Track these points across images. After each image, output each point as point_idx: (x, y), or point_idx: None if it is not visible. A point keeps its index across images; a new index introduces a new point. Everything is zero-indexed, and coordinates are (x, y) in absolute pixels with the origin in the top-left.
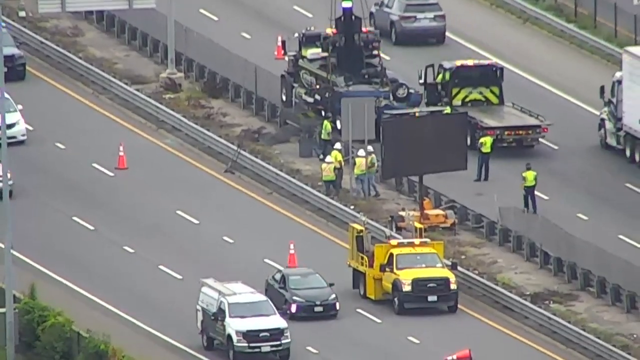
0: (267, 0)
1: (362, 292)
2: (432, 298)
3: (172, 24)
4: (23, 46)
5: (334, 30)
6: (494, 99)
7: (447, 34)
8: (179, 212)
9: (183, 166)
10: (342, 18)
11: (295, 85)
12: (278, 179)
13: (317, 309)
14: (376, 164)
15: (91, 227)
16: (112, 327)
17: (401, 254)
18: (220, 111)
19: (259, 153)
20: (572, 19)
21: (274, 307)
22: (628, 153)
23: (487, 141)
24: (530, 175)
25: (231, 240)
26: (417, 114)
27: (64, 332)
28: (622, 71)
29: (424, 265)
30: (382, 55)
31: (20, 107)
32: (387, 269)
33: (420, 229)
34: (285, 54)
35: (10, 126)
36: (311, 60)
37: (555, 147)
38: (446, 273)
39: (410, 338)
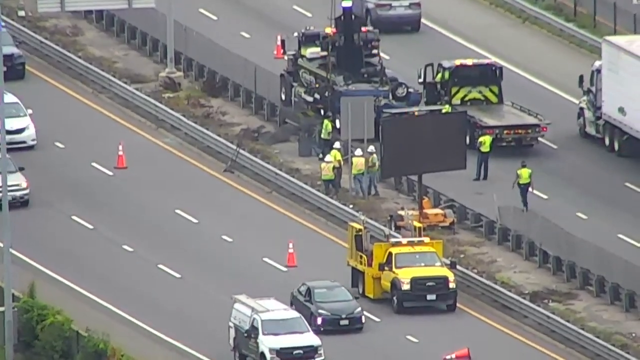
0: None
1: (361, 291)
2: (431, 297)
3: (172, 23)
4: (22, 45)
5: (334, 30)
6: (493, 98)
7: (447, 33)
8: (178, 211)
9: (182, 165)
10: (342, 17)
11: (295, 84)
12: (277, 178)
13: (343, 322)
14: (377, 164)
15: (90, 226)
16: (111, 326)
17: (400, 253)
18: (219, 110)
19: (258, 152)
20: (571, 18)
21: (307, 324)
22: (607, 142)
23: (486, 140)
24: (525, 172)
25: (230, 239)
26: (416, 113)
27: (63, 331)
28: (601, 60)
29: (423, 264)
30: (381, 54)
31: (30, 111)
32: (386, 268)
33: (420, 228)
34: (284, 53)
35: (20, 131)
36: (310, 60)
37: (554, 146)
38: (445, 272)
39: (409, 337)
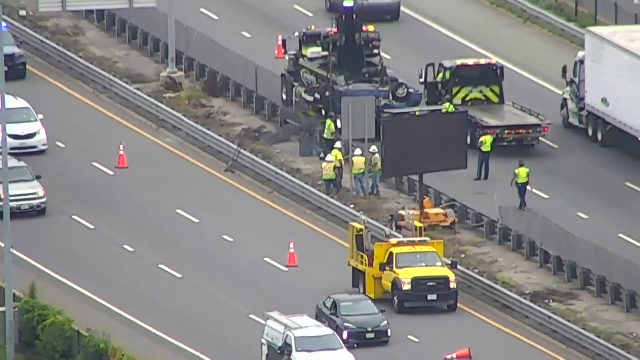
0: None
1: (362, 291)
2: (432, 297)
3: (173, 23)
4: (23, 45)
5: (335, 30)
6: (495, 98)
7: (447, 33)
8: (179, 211)
9: (183, 165)
10: (343, 17)
11: (296, 84)
12: (278, 178)
13: (369, 335)
14: (379, 164)
15: (91, 226)
16: (112, 326)
17: (401, 253)
18: (220, 110)
19: (259, 152)
20: (572, 18)
21: (341, 341)
22: (590, 132)
23: (487, 140)
24: (523, 172)
25: (231, 239)
26: (417, 113)
27: (64, 332)
28: (584, 51)
29: (423, 264)
30: (382, 54)
31: (41, 116)
32: (387, 268)
33: (421, 228)
34: (285, 53)
35: (31, 136)
36: (312, 60)
37: (556, 147)
38: (446, 272)
39: (410, 337)
